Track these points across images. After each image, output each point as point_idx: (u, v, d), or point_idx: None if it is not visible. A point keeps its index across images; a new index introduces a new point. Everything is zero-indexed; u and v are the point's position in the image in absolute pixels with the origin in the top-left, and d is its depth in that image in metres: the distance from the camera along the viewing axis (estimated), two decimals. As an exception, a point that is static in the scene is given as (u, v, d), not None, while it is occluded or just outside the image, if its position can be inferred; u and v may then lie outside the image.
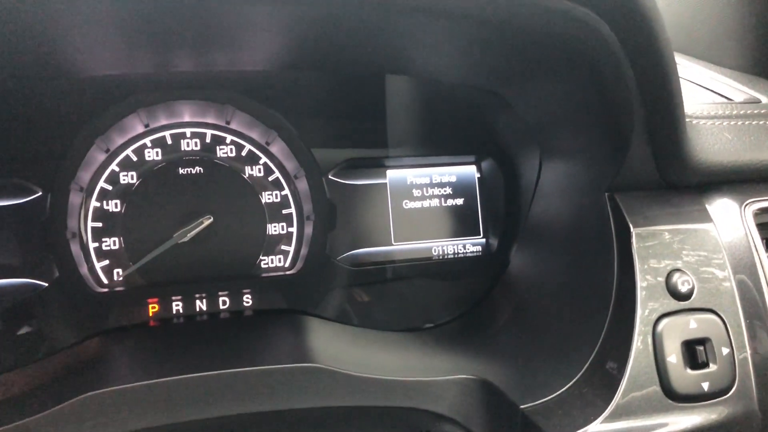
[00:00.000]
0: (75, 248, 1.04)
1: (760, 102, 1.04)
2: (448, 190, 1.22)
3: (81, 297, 1.03)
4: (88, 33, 0.74)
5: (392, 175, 1.20)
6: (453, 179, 1.23)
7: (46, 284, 1.02)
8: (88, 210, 1.05)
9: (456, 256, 1.22)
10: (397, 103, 1.13)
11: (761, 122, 0.95)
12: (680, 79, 0.95)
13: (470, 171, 1.24)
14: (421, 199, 1.21)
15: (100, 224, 1.06)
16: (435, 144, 1.23)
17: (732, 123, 0.93)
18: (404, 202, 1.20)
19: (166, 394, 0.79)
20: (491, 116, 1.17)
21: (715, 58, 1.26)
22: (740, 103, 1.03)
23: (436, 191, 1.22)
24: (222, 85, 1.06)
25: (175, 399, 0.79)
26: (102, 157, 1.06)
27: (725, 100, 1.05)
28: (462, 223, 1.23)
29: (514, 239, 1.17)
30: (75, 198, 1.04)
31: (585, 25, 0.71)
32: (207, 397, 0.80)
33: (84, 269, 1.05)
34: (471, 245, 1.23)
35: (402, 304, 1.19)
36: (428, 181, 1.21)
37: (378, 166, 1.19)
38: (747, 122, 0.94)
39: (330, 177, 1.16)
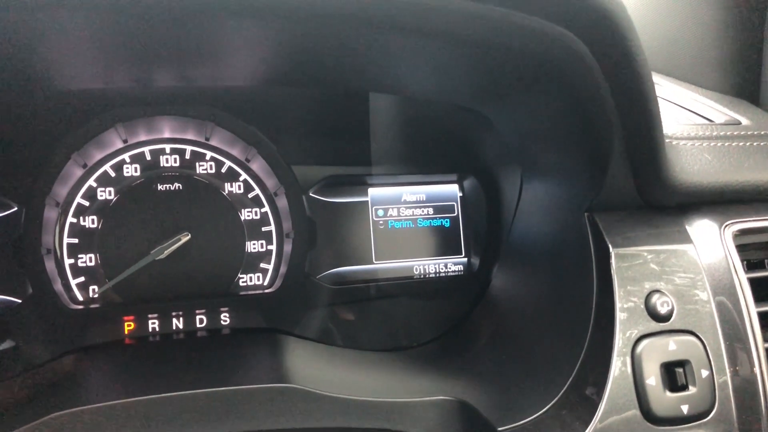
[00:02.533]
0: (50, 264, 1.02)
1: (740, 124, 1.04)
2: (430, 209, 1.22)
3: (55, 314, 1.01)
4: (65, 46, 0.73)
5: (374, 193, 1.19)
6: (435, 198, 1.22)
7: (20, 301, 1.01)
8: (64, 226, 1.04)
9: (437, 275, 1.21)
10: (380, 121, 1.13)
11: (741, 144, 0.95)
12: (661, 99, 0.96)
13: (452, 189, 1.24)
14: (402, 218, 1.20)
15: (76, 240, 1.04)
16: (417, 162, 1.22)
17: (712, 144, 0.93)
18: (386, 220, 1.19)
19: (139, 413, 0.77)
20: (473, 135, 1.17)
21: (696, 80, 1.26)
22: (721, 124, 1.03)
23: (418, 210, 1.21)
24: (202, 101, 1.05)
25: (147, 419, 0.77)
26: (79, 172, 1.05)
27: (706, 122, 1.04)
28: (444, 242, 1.22)
29: (496, 259, 1.16)
30: (50, 213, 1.02)
31: (561, 44, 0.71)
32: (180, 418, 0.78)
33: (58, 286, 1.03)
34: (453, 264, 1.22)
35: (383, 323, 1.18)
36: (410, 200, 1.21)
37: (359, 183, 1.18)
38: (727, 143, 0.94)
39: (310, 194, 1.15)
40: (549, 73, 0.78)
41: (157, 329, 1.06)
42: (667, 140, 0.85)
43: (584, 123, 0.82)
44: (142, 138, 1.08)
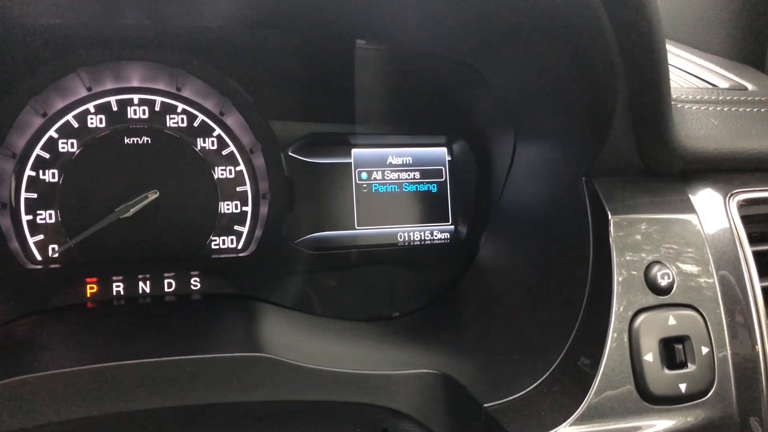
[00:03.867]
0: (4, 221, 0.96)
1: (747, 89, 1.00)
2: (417, 173, 1.17)
3: (11, 274, 0.95)
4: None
5: (357, 153, 1.14)
6: (422, 161, 1.18)
7: None
8: (21, 179, 0.97)
9: (423, 242, 1.17)
10: (366, 76, 1.07)
11: (748, 109, 0.92)
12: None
13: (440, 152, 1.19)
14: (387, 181, 1.16)
15: (34, 195, 0.98)
16: (404, 122, 1.17)
17: (718, 109, 0.90)
18: (369, 183, 1.15)
19: (100, 381, 0.74)
20: (465, 93, 1.12)
21: (700, 44, 1.22)
22: (726, 89, 1.00)
23: (404, 173, 1.16)
24: (174, 45, 0.98)
25: (109, 387, 0.74)
26: (38, 121, 0.98)
27: (710, 87, 1.00)
28: (430, 208, 1.18)
29: (485, 226, 1.13)
30: (5, 165, 0.96)
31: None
32: (144, 387, 0.75)
33: (14, 244, 0.97)
34: (439, 232, 1.18)
35: (364, 292, 1.14)
36: (396, 162, 1.16)
37: (342, 143, 1.13)
38: (733, 109, 0.91)
39: (289, 153, 1.09)
40: (551, 20, 0.73)
41: (122, 293, 1.02)
42: (672, 102, 0.81)
43: (586, 77, 0.77)
44: (108, 86, 1.01)
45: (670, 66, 1.06)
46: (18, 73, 0.93)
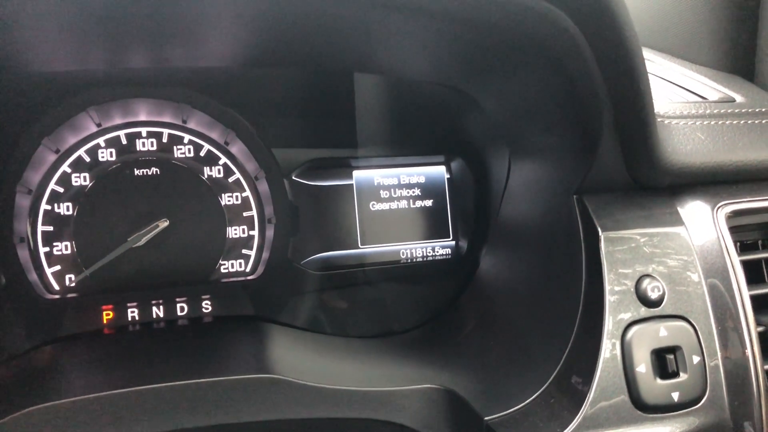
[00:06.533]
0: (23, 253, 0.99)
1: (735, 101, 1.01)
2: (417, 191, 1.19)
3: (30, 304, 0.99)
4: (36, 26, 0.69)
5: (359, 175, 1.16)
6: (422, 180, 1.20)
7: None
8: (37, 213, 1.01)
9: (425, 259, 1.19)
10: (364, 102, 1.10)
11: (735, 122, 0.92)
12: (653, 76, 0.92)
13: (439, 171, 1.21)
14: (388, 201, 1.18)
15: (50, 228, 1.01)
16: (403, 144, 1.19)
17: (705, 123, 0.90)
18: (371, 203, 1.17)
19: (119, 406, 0.76)
20: (460, 115, 1.14)
21: (689, 56, 1.23)
22: (714, 102, 1.00)
23: (405, 192, 1.19)
24: (178, 82, 1.01)
25: (127, 412, 0.76)
26: (52, 157, 1.01)
27: (699, 99, 1.02)
28: (431, 225, 1.20)
29: (484, 242, 1.14)
30: (22, 201, 0.99)
31: (547, 20, 0.68)
32: (161, 410, 0.77)
33: (33, 275, 1.00)
34: (440, 248, 1.20)
35: (369, 309, 1.16)
36: (396, 182, 1.18)
37: (343, 166, 1.16)
38: (720, 122, 0.91)
39: (293, 178, 1.12)
40: (535, 49, 0.75)
41: (137, 318, 1.04)
42: (658, 119, 0.83)
43: (572, 101, 0.79)
44: (117, 121, 1.04)
45: (660, 79, 1.09)
46: (30, 115, 0.97)
